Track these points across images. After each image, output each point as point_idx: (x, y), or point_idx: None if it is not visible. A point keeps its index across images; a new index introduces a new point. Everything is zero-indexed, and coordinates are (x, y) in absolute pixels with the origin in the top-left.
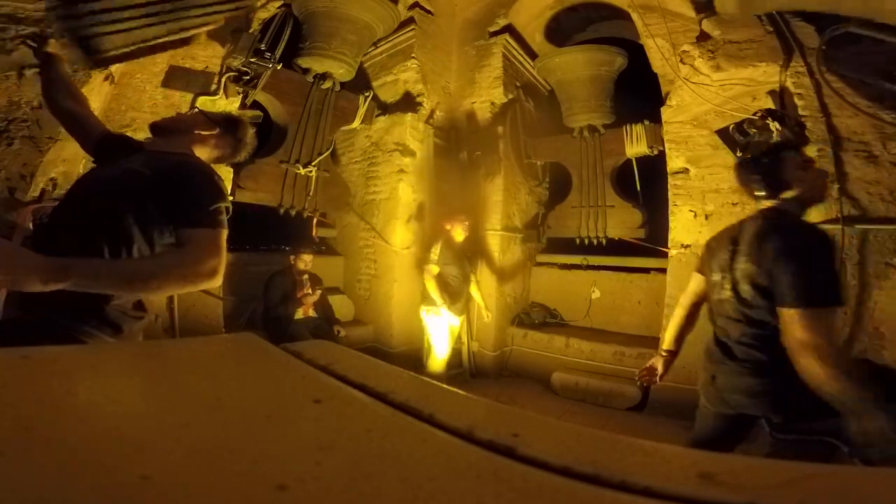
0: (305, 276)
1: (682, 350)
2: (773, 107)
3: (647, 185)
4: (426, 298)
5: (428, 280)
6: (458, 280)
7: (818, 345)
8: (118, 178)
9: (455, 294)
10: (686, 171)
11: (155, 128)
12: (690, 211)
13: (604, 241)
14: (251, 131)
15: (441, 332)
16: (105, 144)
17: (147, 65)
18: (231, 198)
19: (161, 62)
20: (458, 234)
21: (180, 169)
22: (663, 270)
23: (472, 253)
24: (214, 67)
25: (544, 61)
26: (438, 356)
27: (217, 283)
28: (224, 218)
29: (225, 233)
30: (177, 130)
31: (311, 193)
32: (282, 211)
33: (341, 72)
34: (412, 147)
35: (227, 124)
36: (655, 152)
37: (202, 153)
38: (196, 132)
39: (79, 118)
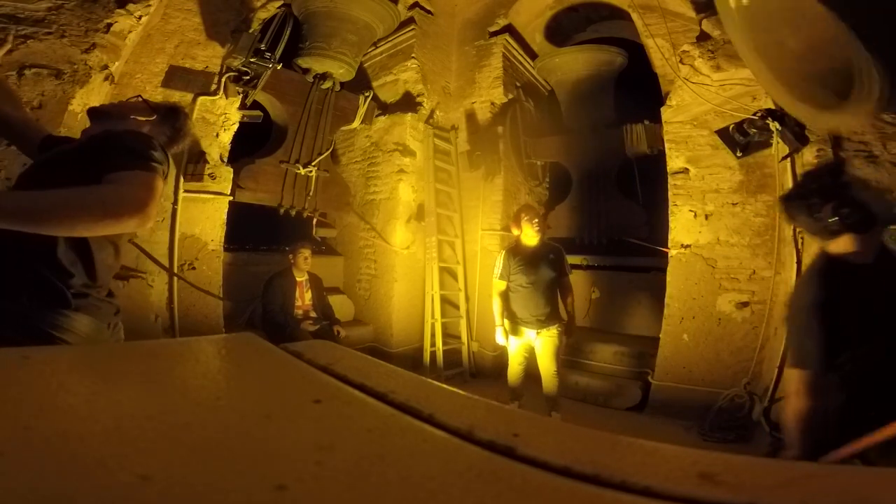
0: (305, 278)
1: (682, 350)
2: (773, 107)
3: (647, 185)
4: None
5: (493, 297)
6: (528, 290)
7: None
8: (50, 159)
9: (525, 307)
10: (686, 171)
11: (93, 112)
12: (690, 211)
13: (604, 241)
14: (189, 122)
15: (512, 350)
16: (47, 144)
17: (147, 65)
18: (231, 197)
19: (161, 62)
20: (528, 235)
21: (110, 133)
22: (663, 270)
23: (555, 251)
24: (214, 67)
25: (544, 61)
26: (510, 374)
27: (145, 223)
28: (159, 167)
29: (159, 179)
30: (114, 115)
31: (311, 193)
32: (282, 211)
33: (341, 72)
34: (412, 147)
35: (167, 112)
36: (655, 152)
37: None
38: (132, 118)
39: (17, 123)
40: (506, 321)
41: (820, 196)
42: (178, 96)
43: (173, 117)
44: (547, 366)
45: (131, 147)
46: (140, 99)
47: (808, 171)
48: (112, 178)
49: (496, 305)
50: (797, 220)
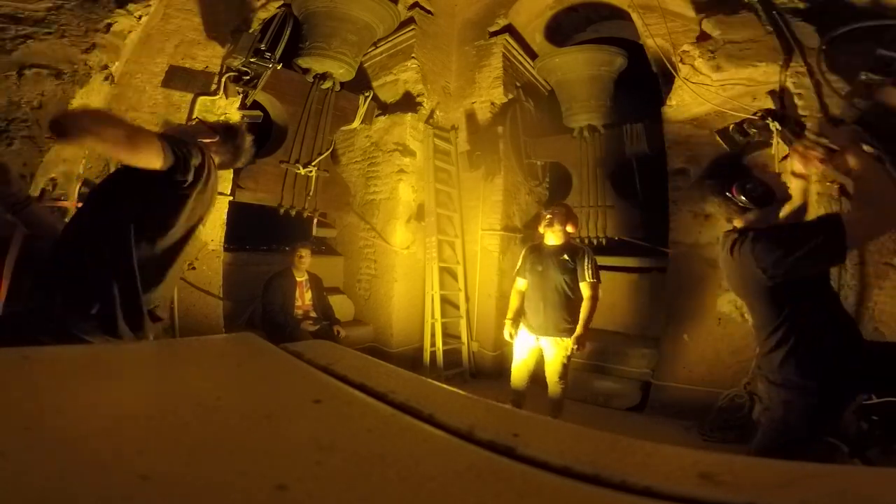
0: (305, 278)
1: (682, 350)
2: (772, 107)
3: (646, 185)
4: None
5: (512, 295)
6: (536, 292)
7: None
8: (101, 188)
9: (532, 309)
10: (686, 171)
11: (160, 137)
12: (690, 211)
13: (604, 241)
14: (249, 138)
15: (516, 349)
16: None
17: (147, 65)
18: (231, 197)
19: (161, 62)
20: (551, 235)
21: None
22: (663, 270)
23: (571, 252)
24: (214, 67)
25: (544, 61)
26: (513, 376)
27: (154, 159)
28: (180, 149)
29: (169, 148)
30: (182, 136)
31: (311, 193)
32: (282, 211)
33: (341, 72)
34: (412, 147)
35: (227, 132)
36: (655, 152)
37: None
38: (199, 140)
39: None
40: (509, 321)
41: (728, 178)
42: (178, 96)
43: (234, 136)
44: (551, 374)
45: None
46: (198, 120)
47: (714, 160)
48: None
49: (511, 301)
50: (710, 202)
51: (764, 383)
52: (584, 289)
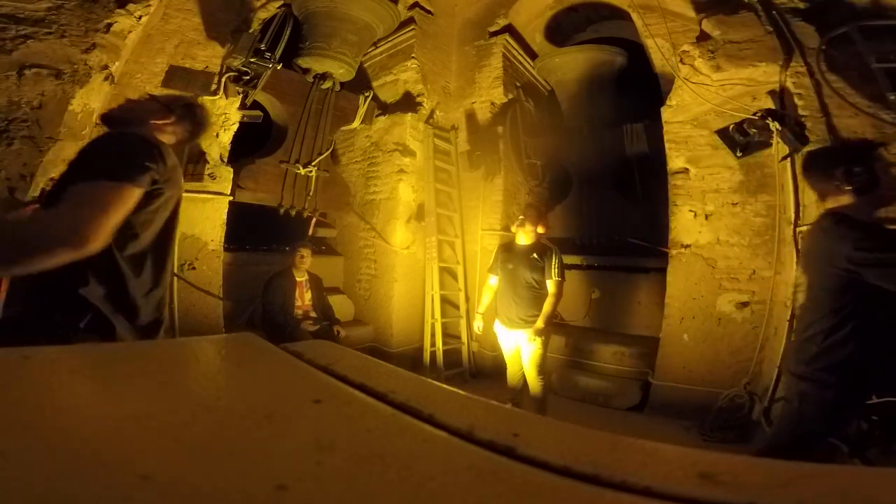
0: (305, 278)
1: (682, 350)
2: (773, 107)
3: (646, 185)
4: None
5: (484, 290)
6: (506, 289)
7: None
8: (60, 176)
9: (503, 305)
10: (686, 171)
11: (107, 119)
12: (690, 211)
13: (604, 241)
14: (206, 111)
15: (503, 348)
16: None
17: (147, 65)
18: (231, 197)
19: (161, 62)
20: (522, 234)
21: (96, 139)
22: (663, 270)
23: (541, 252)
24: (214, 67)
25: (544, 61)
26: (508, 375)
27: (84, 247)
28: (122, 171)
29: (114, 185)
30: (131, 122)
31: (311, 193)
32: (282, 211)
33: (341, 72)
34: (412, 147)
35: (183, 109)
36: (655, 152)
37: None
38: (152, 122)
39: None
40: (479, 315)
41: (842, 158)
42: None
43: (191, 112)
44: (528, 370)
45: (105, 152)
46: (149, 96)
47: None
48: (63, 197)
49: (481, 296)
50: (810, 173)
51: (786, 376)
52: (550, 286)
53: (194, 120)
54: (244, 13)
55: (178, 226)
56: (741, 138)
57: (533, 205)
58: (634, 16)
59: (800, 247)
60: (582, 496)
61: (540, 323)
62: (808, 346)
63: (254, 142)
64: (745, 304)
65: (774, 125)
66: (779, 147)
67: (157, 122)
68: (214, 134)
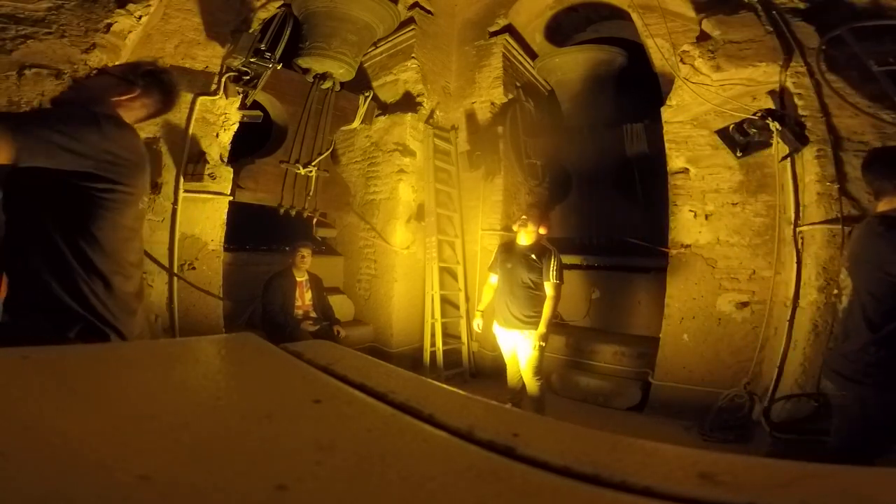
0: (305, 278)
1: (682, 350)
2: (773, 107)
3: (646, 185)
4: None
5: (484, 289)
6: (504, 288)
7: None
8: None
9: (501, 305)
10: (686, 171)
11: (57, 104)
12: (690, 211)
13: (604, 241)
14: (171, 74)
15: (502, 348)
16: None
17: None
18: (231, 197)
19: (161, 62)
20: (523, 234)
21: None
22: (663, 270)
23: (539, 253)
24: (214, 67)
25: (544, 61)
26: (508, 375)
27: None
28: (46, 123)
29: (37, 127)
30: (87, 103)
31: (311, 193)
32: (282, 211)
33: (341, 72)
34: (412, 147)
35: (147, 78)
36: (655, 152)
37: (128, 117)
38: (112, 100)
39: None
40: (479, 312)
41: None
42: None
43: (157, 79)
44: (525, 372)
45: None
46: (98, 70)
47: None
48: None
49: (484, 295)
50: (868, 172)
51: (837, 380)
52: (548, 288)
53: (163, 88)
54: (244, 13)
55: (140, 229)
56: (741, 138)
57: (535, 205)
58: (634, 16)
59: (845, 249)
60: (582, 496)
61: (542, 328)
62: (870, 351)
63: (254, 142)
64: (745, 304)
65: (774, 125)
66: (779, 147)
67: (119, 97)
68: (214, 134)
